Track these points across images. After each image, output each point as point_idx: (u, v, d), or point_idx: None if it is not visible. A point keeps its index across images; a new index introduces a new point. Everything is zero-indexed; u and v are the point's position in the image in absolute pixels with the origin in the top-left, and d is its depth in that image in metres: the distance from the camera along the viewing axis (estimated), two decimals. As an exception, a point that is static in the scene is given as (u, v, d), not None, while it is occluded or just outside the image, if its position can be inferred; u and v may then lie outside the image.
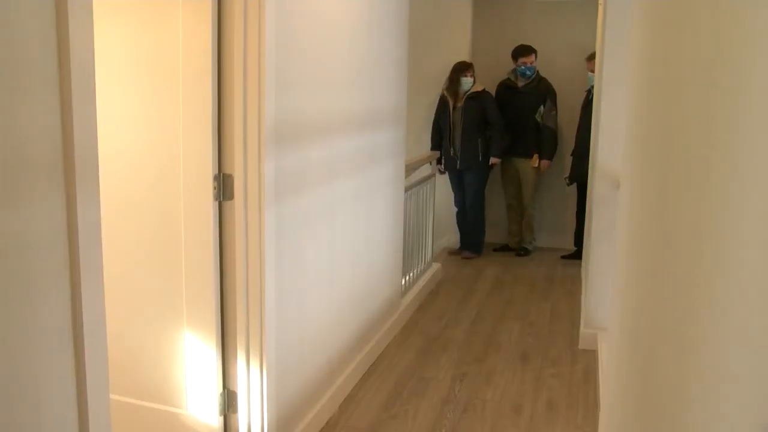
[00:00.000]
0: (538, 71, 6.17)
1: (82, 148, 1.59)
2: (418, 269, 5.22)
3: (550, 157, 6.17)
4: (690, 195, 1.01)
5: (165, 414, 2.73)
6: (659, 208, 1.22)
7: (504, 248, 6.53)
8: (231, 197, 2.57)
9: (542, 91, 6.12)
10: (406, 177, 4.58)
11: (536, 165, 6.17)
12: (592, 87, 5.48)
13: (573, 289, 5.46)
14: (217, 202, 2.57)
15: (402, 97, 4.31)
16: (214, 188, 2.54)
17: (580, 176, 5.86)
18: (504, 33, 6.55)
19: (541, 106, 6.11)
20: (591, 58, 5.79)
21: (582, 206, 5.96)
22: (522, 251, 6.45)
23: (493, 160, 6.08)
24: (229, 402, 2.71)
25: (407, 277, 4.87)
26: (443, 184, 6.21)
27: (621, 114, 3.06)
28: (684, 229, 1.04)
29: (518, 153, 6.20)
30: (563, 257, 6.34)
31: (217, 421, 2.68)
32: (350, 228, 3.52)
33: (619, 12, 3.88)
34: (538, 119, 6.12)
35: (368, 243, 3.82)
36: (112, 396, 1.97)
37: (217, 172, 2.54)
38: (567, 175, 6.16)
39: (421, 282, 5.20)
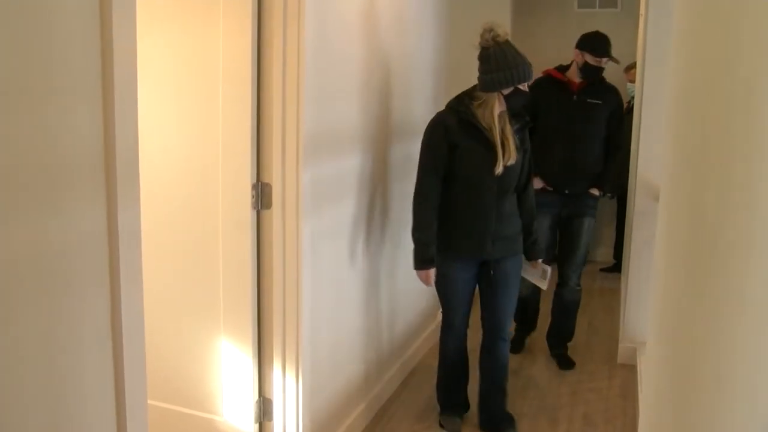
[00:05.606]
0: None
1: (123, 153, 1.62)
2: (455, 280, 5.17)
3: None
4: (730, 207, 1.00)
5: (201, 420, 2.75)
6: (699, 221, 1.20)
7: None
8: (269, 206, 2.59)
9: None
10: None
11: None
12: (632, 98, 5.40)
13: (612, 303, 5.38)
14: (255, 211, 2.59)
15: (440, 107, 4.29)
16: (253, 197, 2.56)
17: (620, 188, 5.78)
18: (543, 44, 6.51)
19: None
20: (630, 68, 5.71)
21: (622, 219, 5.87)
22: None
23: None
24: (264, 409, 2.72)
25: (443, 289, 4.83)
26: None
27: (661, 126, 3.01)
28: (724, 242, 1.02)
29: None
30: (602, 270, 6.26)
31: (253, 429, 2.69)
32: (387, 238, 3.52)
33: (661, 23, 3.84)
34: None
35: (405, 254, 3.81)
36: (150, 401, 1.99)
37: (255, 181, 2.57)
38: None
39: (458, 293, 5.15)
